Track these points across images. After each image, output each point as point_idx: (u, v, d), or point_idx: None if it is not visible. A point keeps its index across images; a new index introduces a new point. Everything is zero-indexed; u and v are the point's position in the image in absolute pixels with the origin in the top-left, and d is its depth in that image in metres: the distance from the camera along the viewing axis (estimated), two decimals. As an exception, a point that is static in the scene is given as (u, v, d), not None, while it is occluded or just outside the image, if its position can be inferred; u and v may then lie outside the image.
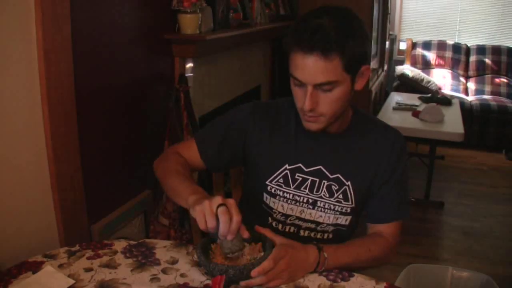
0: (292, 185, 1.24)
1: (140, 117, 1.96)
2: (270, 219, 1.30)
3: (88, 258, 1.15)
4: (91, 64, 1.61)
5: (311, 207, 1.25)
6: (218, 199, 0.99)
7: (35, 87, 1.36)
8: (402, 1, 5.61)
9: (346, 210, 1.24)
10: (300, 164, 1.24)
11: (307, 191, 1.24)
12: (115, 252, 1.18)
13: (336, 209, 1.24)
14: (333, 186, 1.23)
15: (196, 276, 1.08)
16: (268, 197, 1.28)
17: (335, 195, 1.23)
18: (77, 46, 1.50)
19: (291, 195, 1.25)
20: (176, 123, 2.06)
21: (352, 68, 1.09)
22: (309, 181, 1.24)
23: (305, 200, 1.25)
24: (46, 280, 1.05)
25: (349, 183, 1.23)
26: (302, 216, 1.27)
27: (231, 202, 1.00)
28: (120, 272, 1.09)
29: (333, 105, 1.11)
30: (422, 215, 3.31)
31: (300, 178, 1.24)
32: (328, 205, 1.24)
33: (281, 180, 1.24)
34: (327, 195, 1.24)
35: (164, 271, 1.11)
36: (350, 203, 1.24)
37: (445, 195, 3.61)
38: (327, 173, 1.23)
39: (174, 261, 1.15)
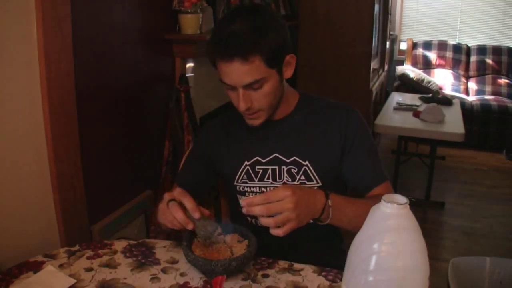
0: (256, 179, 1.27)
1: (140, 117, 1.96)
2: (249, 219, 1.32)
3: (88, 258, 1.15)
4: (91, 64, 1.61)
5: None
6: (166, 197, 1.08)
7: (35, 87, 1.36)
8: (403, 1, 5.61)
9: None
10: (257, 157, 1.27)
11: (270, 180, 1.27)
12: (115, 252, 1.19)
13: None
14: (292, 170, 1.25)
15: (196, 275, 1.09)
16: (240, 196, 1.31)
17: (297, 178, 1.25)
18: (78, 46, 1.50)
19: (257, 188, 1.28)
20: (177, 123, 2.06)
21: (275, 62, 1.13)
22: (269, 170, 1.27)
23: None
24: (47, 280, 1.05)
25: (307, 162, 1.25)
26: None
27: (178, 192, 1.07)
28: (120, 272, 1.10)
29: (266, 99, 1.17)
30: (422, 215, 3.31)
31: (261, 170, 1.27)
32: None
33: (245, 177, 1.28)
34: (290, 180, 1.25)
35: (164, 270, 1.11)
36: (315, 182, 1.25)
37: (445, 195, 3.61)
38: (283, 158, 1.26)
39: (174, 261, 1.15)
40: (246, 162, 1.28)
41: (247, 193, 1.30)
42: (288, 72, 1.20)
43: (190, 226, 1.04)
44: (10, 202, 1.31)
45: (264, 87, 1.14)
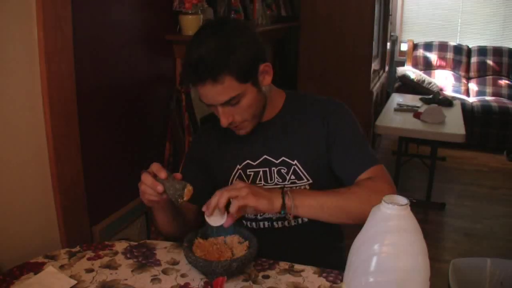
0: (248, 182, 1.27)
1: (141, 118, 1.96)
2: (244, 222, 1.32)
3: (88, 259, 1.16)
4: (92, 65, 1.61)
5: None
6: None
7: (36, 88, 1.36)
8: (404, 2, 5.61)
9: (305, 188, 1.25)
10: (247, 161, 1.28)
11: (262, 182, 1.27)
12: (116, 253, 1.19)
13: None
14: (282, 170, 1.26)
15: (197, 276, 1.09)
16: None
17: (287, 178, 1.26)
18: (78, 47, 1.50)
19: None
20: (177, 124, 2.06)
21: (247, 76, 1.13)
22: (260, 173, 1.28)
23: None
24: (48, 281, 1.05)
25: (295, 162, 1.25)
26: None
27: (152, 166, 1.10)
28: (121, 273, 1.10)
29: (247, 111, 1.18)
30: (423, 216, 3.32)
31: (252, 173, 1.28)
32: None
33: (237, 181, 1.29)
34: (280, 180, 1.26)
35: (164, 271, 1.11)
36: (305, 180, 1.25)
37: (446, 196, 3.61)
38: (272, 159, 1.27)
39: (174, 262, 1.15)
40: (238, 166, 1.29)
41: None
42: (266, 80, 1.20)
43: (159, 188, 1.06)
44: (10, 203, 1.30)
45: (242, 102, 1.15)
